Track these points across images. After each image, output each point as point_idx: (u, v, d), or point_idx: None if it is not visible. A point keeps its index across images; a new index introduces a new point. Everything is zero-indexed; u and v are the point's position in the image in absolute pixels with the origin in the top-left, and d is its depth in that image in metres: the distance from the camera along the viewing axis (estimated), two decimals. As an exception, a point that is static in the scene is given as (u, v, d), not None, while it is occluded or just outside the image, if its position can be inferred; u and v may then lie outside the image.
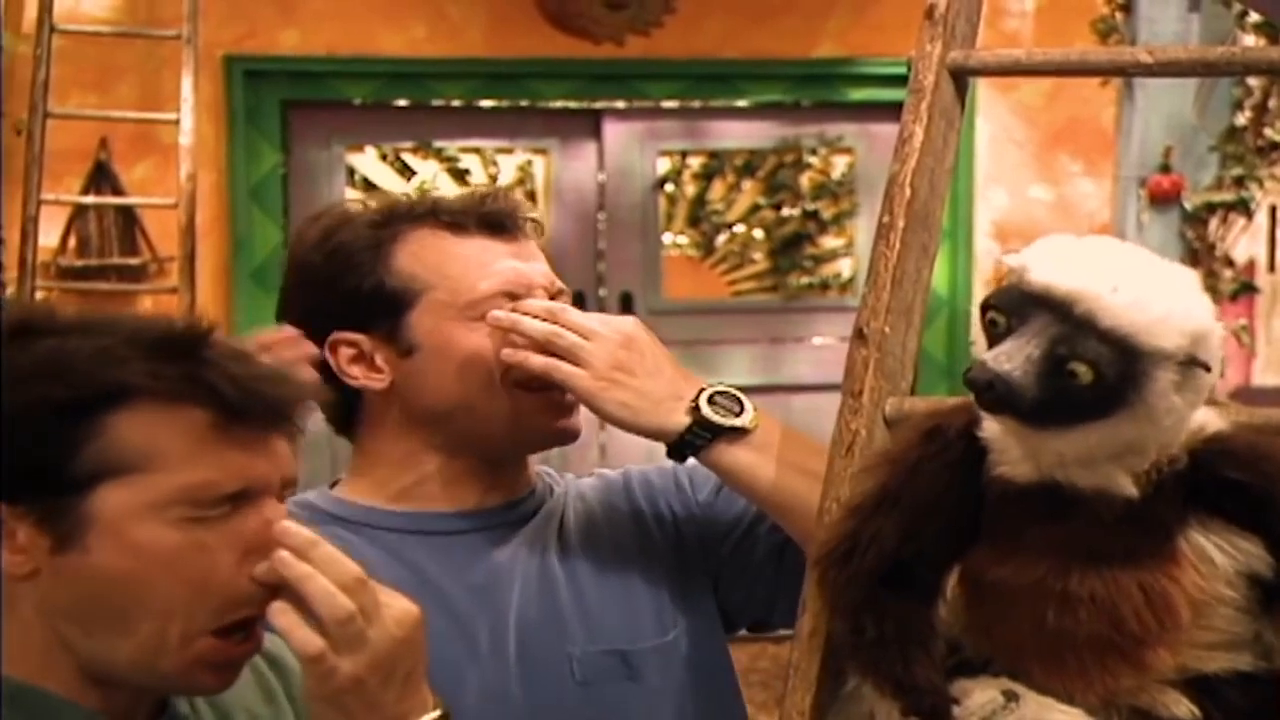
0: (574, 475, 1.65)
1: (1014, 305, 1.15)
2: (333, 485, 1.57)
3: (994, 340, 1.15)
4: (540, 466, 1.62)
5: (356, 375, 1.50)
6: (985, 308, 1.17)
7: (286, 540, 1.11)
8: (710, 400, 1.45)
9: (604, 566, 1.55)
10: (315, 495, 1.55)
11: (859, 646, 1.23)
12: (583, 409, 1.49)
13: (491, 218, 1.50)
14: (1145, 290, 1.13)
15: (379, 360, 1.50)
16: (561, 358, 1.44)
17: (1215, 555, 1.17)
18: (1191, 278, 1.18)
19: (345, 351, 1.50)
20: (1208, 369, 1.13)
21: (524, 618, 1.50)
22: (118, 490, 1.08)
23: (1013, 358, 1.12)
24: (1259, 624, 1.19)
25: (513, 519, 1.55)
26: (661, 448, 1.48)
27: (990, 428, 1.20)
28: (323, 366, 1.49)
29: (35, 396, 1.07)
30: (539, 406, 1.50)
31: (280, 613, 1.10)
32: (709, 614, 1.58)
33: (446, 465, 1.53)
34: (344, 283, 1.49)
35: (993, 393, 1.12)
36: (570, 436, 1.54)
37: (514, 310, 1.47)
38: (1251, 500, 1.17)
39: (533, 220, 1.57)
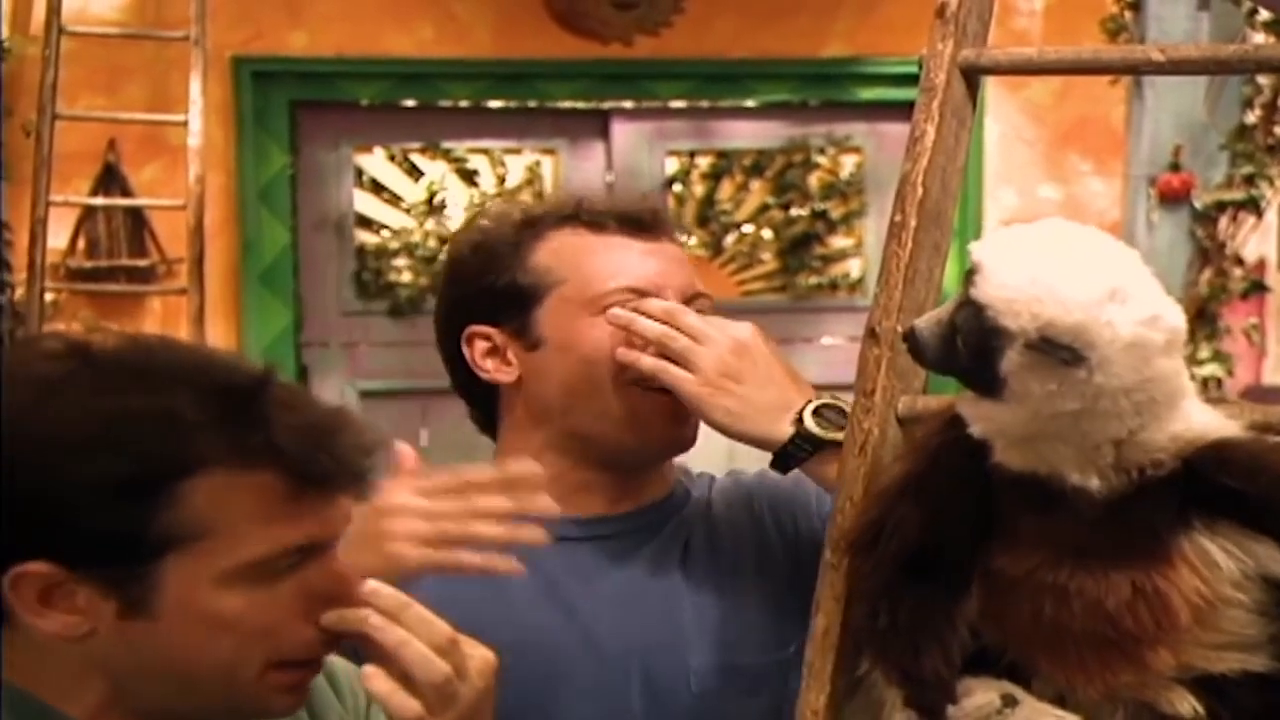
0: (710, 475, 1.65)
1: (964, 277, 1.19)
2: None
3: None
4: (679, 464, 1.62)
5: (488, 368, 1.53)
6: None
7: (377, 602, 1.12)
8: (816, 412, 1.45)
9: (727, 578, 1.56)
10: None
11: (872, 633, 1.23)
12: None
13: (631, 216, 1.53)
14: (1032, 271, 1.14)
15: (510, 354, 1.52)
16: (674, 360, 1.44)
17: (1220, 558, 1.17)
18: (1128, 276, 1.15)
19: (480, 345, 1.54)
20: (1068, 362, 1.11)
21: (647, 629, 1.51)
22: (190, 558, 1.07)
23: (929, 318, 1.19)
24: (1276, 625, 1.18)
25: (643, 526, 1.56)
26: None
27: (965, 410, 1.20)
28: (462, 361, 1.53)
29: (106, 471, 1.04)
30: (653, 410, 1.50)
31: (374, 678, 1.12)
32: None
33: (574, 468, 1.54)
34: (485, 278, 1.53)
35: (908, 343, 1.21)
36: (683, 445, 1.55)
37: (634, 309, 1.47)
38: (1252, 509, 1.16)
39: (677, 226, 1.58)
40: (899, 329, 1.36)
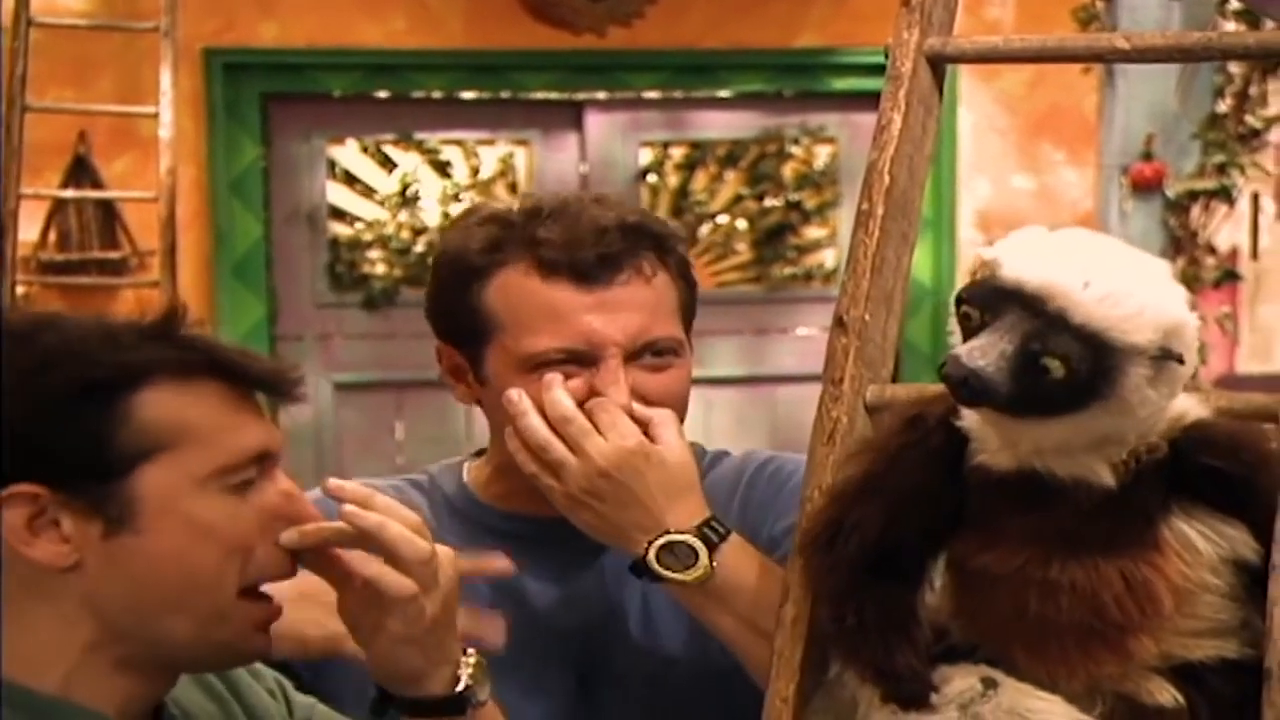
0: (723, 453, 1.66)
1: (987, 300, 1.15)
2: (478, 453, 1.63)
3: (969, 333, 1.16)
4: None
5: (454, 384, 1.56)
6: (959, 302, 1.17)
7: (344, 494, 1.18)
8: (668, 547, 1.44)
9: None
10: (448, 477, 1.61)
11: (841, 633, 1.23)
12: None
13: (581, 264, 1.48)
14: (1117, 285, 1.13)
15: (469, 378, 1.54)
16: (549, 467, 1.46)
17: (1199, 542, 1.17)
18: (1164, 269, 1.18)
19: (446, 360, 1.56)
20: (1181, 361, 1.13)
21: (596, 626, 1.52)
22: (158, 469, 1.11)
23: (986, 353, 1.12)
24: (1246, 610, 1.19)
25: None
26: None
27: (969, 417, 1.20)
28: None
29: (57, 381, 1.09)
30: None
31: (366, 562, 1.17)
32: None
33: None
34: (452, 297, 1.53)
35: (967, 388, 1.13)
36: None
37: (546, 390, 1.46)
38: (1232, 488, 1.17)
39: (661, 247, 1.53)
40: (866, 318, 1.36)
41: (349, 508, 1.16)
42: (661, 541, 1.44)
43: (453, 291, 1.52)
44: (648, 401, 1.49)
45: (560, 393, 1.45)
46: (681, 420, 1.51)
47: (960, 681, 1.18)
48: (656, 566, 1.43)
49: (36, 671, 1.11)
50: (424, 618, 1.18)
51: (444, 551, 1.21)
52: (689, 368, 1.55)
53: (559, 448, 1.45)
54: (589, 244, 1.48)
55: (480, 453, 1.63)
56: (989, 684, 1.17)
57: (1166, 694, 1.17)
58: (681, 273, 1.55)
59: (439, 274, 1.55)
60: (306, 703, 1.33)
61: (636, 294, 1.50)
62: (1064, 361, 1.12)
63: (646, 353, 1.50)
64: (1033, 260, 1.15)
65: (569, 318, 1.48)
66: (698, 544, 1.44)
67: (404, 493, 1.55)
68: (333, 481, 1.19)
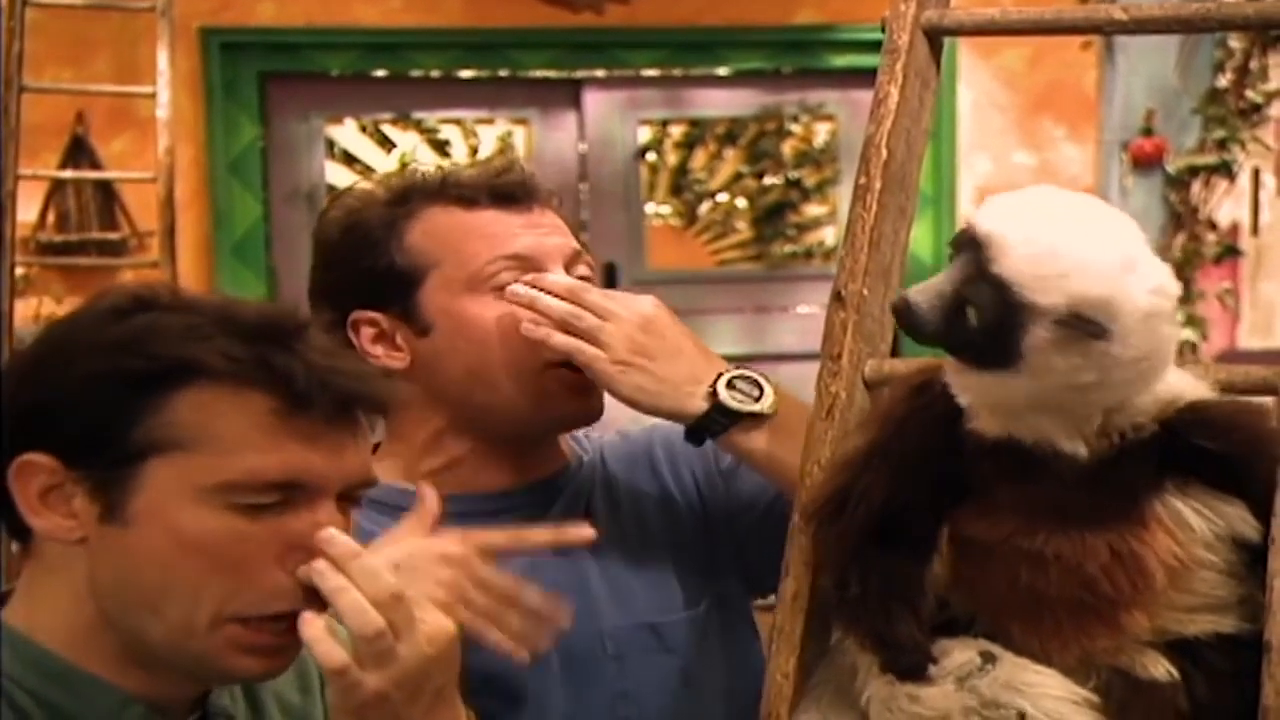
0: (597, 436, 1.62)
1: (956, 245, 1.17)
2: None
3: None
4: (570, 435, 1.61)
5: (378, 354, 1.49)
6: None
7: (328, 549, 1.10)
8: (730, 384, 1.43)
9: (631, 538, 1.54)
10: None
11: (843, 601, 1.23)
12: None
13: (503, 189, 1.49)
14: (1050, 244, 1.13)
15: (399, 339, 1.49)
16: (581, 338, 1.42)
17: (1193, 519, 1.17)
18: (1134, 245, 1.15)
19: (366, 331, 1.50)
20: (1098, 335, 1.12)
21: (559, 591, 1.50)
22: (167, 467, 1.08)
23: (926, 291, 1.15)
24: (1245, 586, 1.19)
25: (546, 497, 1.54)
26: None
27: (957, 382, 1.20)
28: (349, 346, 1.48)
29: (110, 366, 1.08)
30: (559, 384, 1.47)
31: (308, 623, 1.09)
32: (736, 581, 1.57)
33: (474, 448, 1.52)
34: (361, 261, 1.49)
35: (899, 317, 1.16)
36: (591, 417, 1.52)
37: (533, 285, 1.45)
38: (1229, 467, 1.17)
39: (549, 191, 1.54)
40: (864, 292, 1.35)
41: (318, 564, 1.09)
42: (727, 378, 1.42)
43: (363, 254, 1.49)
44: None
45: (558, 278, 1.45)
46: None
47: (959, 654, 1.18)
48: (731, 402, 1.41)
49: (52, 638, 1.11)
50: (359, 691, 1.09)
51: (433, 624, 1.12)
52: None
53: (590, 315, 1.42)
54: (498, 176, 1.50)
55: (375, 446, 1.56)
56: (987, 658, 1.17)
57: (1161, 668, 1.17)
58: (570, 223, 1.57)
59: (337, 246, 1.52)
60: None
61: (553, 218, 1.52)
62: (978, 310, 1.13)
63: (577, 265, 1.50)
64: (998, 211, 1.16)
65: (506, 232, 1.48)
66: (756, 375, 1.43)
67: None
68: (326, 532, 1.10)
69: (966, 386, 1.18)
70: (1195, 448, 1.16)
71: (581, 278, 1.50)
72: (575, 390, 1.48)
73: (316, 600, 1.10)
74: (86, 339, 1.10)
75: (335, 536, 1.10)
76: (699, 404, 1.43)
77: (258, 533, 1.09)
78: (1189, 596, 1.18)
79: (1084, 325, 1.11)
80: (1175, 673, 1.17)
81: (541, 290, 1.45)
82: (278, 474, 1.09)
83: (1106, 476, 1.16)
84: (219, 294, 1.20)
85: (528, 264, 1.47)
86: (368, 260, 1.49)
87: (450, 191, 1.49)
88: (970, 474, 1.21)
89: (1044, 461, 1.17)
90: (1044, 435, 1.16)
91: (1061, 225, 1.14)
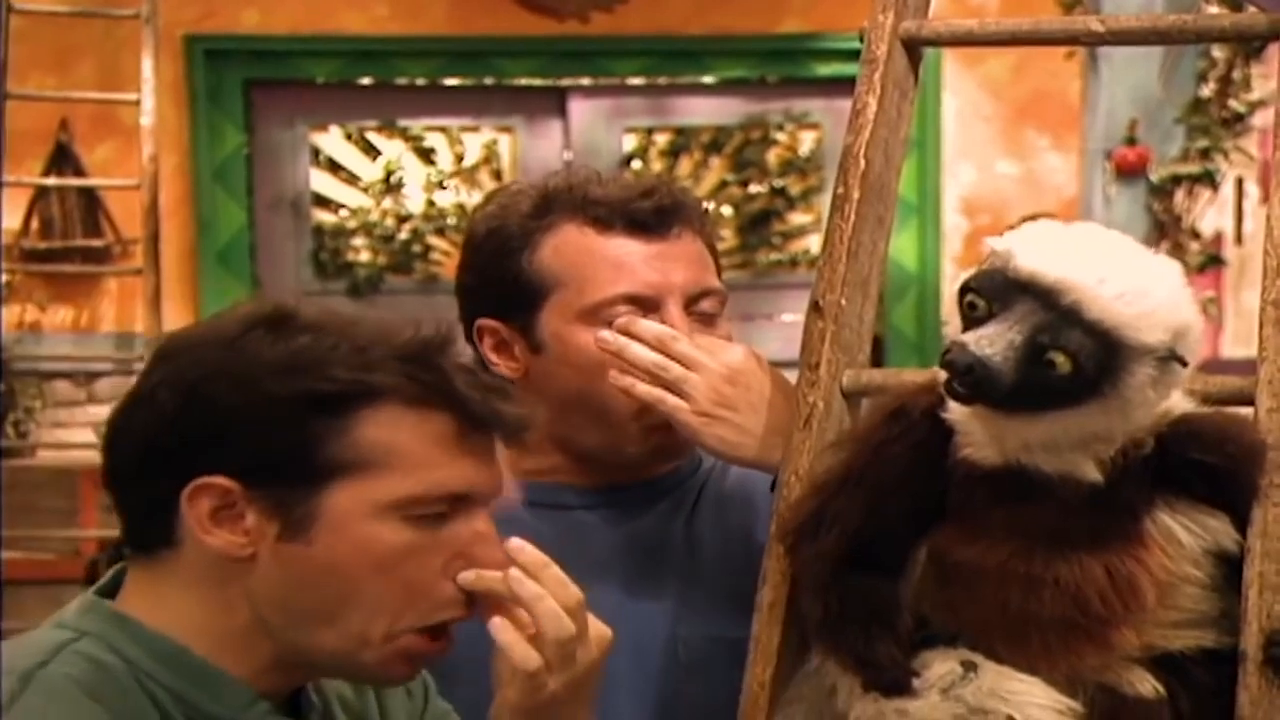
0: None
1: (996, 290, 1.14)
2: None
3: (971, 323, 1.14)
4: None
5: (497, 362, 1.52)
6: (965, 290, 1.16)
7: (519, 558, 1.17)
8: None
9: (728, 549, 1.54)
10: None
11: (823, 623, 1.23)
12: None
13: (638, 215, 1.49)
14: (1133, 284, 1.13)
15: (516, 350, 1.52)
16: (668, 388, 1.43)
17: (1181, 535, 1.17)
18: (1176, 270, 1.17)
19: (489, 339, 1.53)
20: (1185, 364, 1.13)
21: (638, 595, 1.50)
22: (352, 487, 1.11)
23: (994, 342, 1.11)
24: (1226, 600, 1.19)
25: (646, 494, 1.55)
26: None
27: (956, 410, 1.19)
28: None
29: (291, 389, 1.10)
30: (648, 423, 1.49)
31: (503, 629, 1.17)
32: None
33: (564, 461, 1.54)
34: (495, 268, 1.51)
35: (971, 376, 1.11)
36: (677, 454, 1.54)
37: (628, 329, 1.45)
38: (1219, 480, 1.17)
39: (697, 212, 1.54)
40: (842, 302, 1.35)
41: (514, 573, 1.16)
42: None
43: (498, 262, 1.51)
44: None
45: (649, 322, 1.46)
46: None
47: (940, 666, 1.18)
48: None
49: (191, 639, 1.13)
50: (542, 693, 1.18)
51: (598, 631, 1.21)
52: (729, 332, 1.55)
53: (676, 366, 1.43)
54: (642, 199, 1.50)
55: None
56: (969, 667, 1.17)
57: (1147, 684, 1.17)
58: (711, 244, 1.57)
59: (479, 249, 1.53)
60: (443, 709, 1.32)
61: (689, 247, 1.52)
62: (1071, 357, 1.11)
63: (701, 301, 1.51)
64: (1048, 253, 1.14)
65: (632, 266, 1.48)
66: None
67: None
68: (514, 542, 1.17)
69: (997, 434, 1.17)
70: (1189, 461, 1.16)
71: (703, 314, 1.51)
72: (662, 429, 1.49)
73: (474, 606, 1.17)
74: (256, 361, 1.12)
75: (524, 546, 1.18)
76: (779, 456, 1.42)
77: (428, 544, 1.14)
78: (1174, 612, 1.18)
79: (1178, 357, 1.13)
80: (1161, 689, 1.17)
81: (632, 337, 1.45)
82: (455, 488, 1.14)
83: (1108, 497, 1.16)
84: (354, 311, 1.25)
85: (646, 303, 1.48)
86: (501, 269, 1.51)
87: (589, 210, 1.50)
88: (957, 499, 1.20)
89: (1045, 486, 1.17)
90: (1066, 466, 1.16)
91: (1122, 261, 1.15)
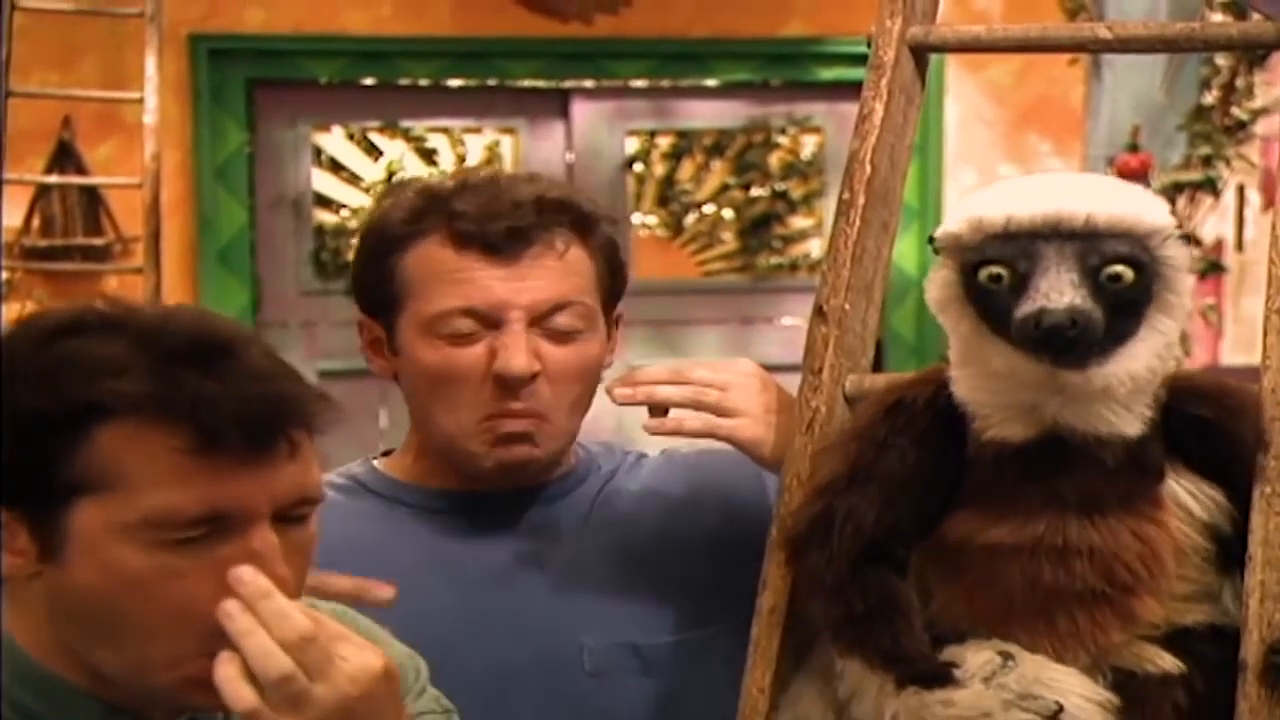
0: (638, 451, 1.63)
1: (1011, 253, 1.13)
2: (386, 453, 1.62)
3: (998, 301, 1.14)
4: (594, 443, 1.62)
5: (369, 356, 1.55)
6: (977, 267, 1.15)
7: (238, 588, 1.07)
8: None
9: (635, 555, 1.54)
10: (359, 465, 1.60)
11: (846, 623, 1.22)
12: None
13: (489, 236, 1.48)
14: (1108, 185, 1.16)
15: (385, 351, 1.54)
16: (711, 413, 1.43)
17: (1190, 502, 1.18)
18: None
19: (365, 334, 1.56)
20: (1199, 243, 1.18)
21: (539, 602, 1.50)
22: (92, 507, 1.06)
23: (1063, 290, 1.10)
24: (1219, 578, 1.20)
25: (540, 499, 1.55)
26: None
27: (969, 395, 1.19)
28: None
29: (30, 404, 1.06)
30: (495, 436, 1.49)
31: (224, 663, 1.06)
32: None
33: (436, 463, 1.56)
34: (373, 267, 1.53)
35: (1076, 327, 1.10)
36: (526, 468, 1.51)
37: (635, 379, 1.46)
38: (1216, 437, 1.17)
39: (583, 223, 1.51)
40: (846, 307, 1.36)
41: (225, 606, 1.06)
42: None
43: (374, 261, 1.52)
44: (548, 371, 1.47)
45: (652, 366, 1.47)
46: (590, 397, 1.52)
47: (975, 657, 1.18)
48: None
49: (36, 649, 1.11)
50: None
51: (356, 663, 1.08)
52: (600, 345, 1.52)
53: (711, 390, 1.44)
54: (502, 217, 1.49)
55: (387, 453, 1.63)
56: (1007, 656, 1.17)
57: (1166, 660, 1.18)
58: (605, 254, 1.54)
59: (364, 244, 1.55)
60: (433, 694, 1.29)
61: (546, 266, 1.49)
62: (1125, 261, 1.11)
63: (555, 317, 1.49)
64: (1025, 198, 1.15)
65: (474, 282, 1.48)
66: None
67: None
68: (236, 571, 1.07)
69: (1043, 400, 1.16)
70: (1189, 417, 1.17)
71: (557, 330, 1.49)
72: (507, 443, 1.49)
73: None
74: (17, 370, 1.07)
75: (245, 575, 1.07)
76: None
77: (190, 566, 1.07)
78: (1185, 584, 1.19)
79: (1188, 235, 1.17)
80: (1181, 665, 1.18)
81: (645, 383, 1.45)
82: (196, 511, 1.06)
83: (1138, 454, 1.17)
84: (160, 309, 1.16)
85: (485, 319, 1.48)
86: (377, 269, 1.52)
87: (452, 223, 1.50)
88: (980, 482, 1.20)
89: (1081, 450, 1.17)
90: (1105, 424, 1.16)
91: (1085, 178, 1.19)
